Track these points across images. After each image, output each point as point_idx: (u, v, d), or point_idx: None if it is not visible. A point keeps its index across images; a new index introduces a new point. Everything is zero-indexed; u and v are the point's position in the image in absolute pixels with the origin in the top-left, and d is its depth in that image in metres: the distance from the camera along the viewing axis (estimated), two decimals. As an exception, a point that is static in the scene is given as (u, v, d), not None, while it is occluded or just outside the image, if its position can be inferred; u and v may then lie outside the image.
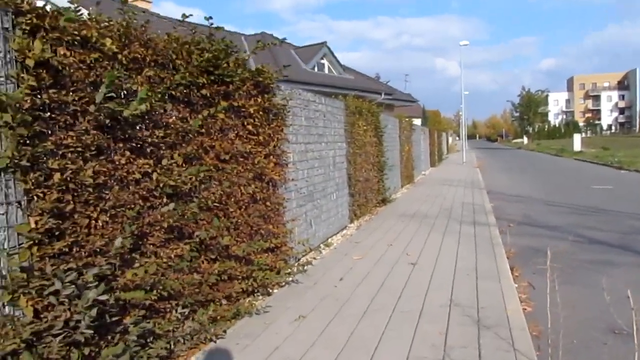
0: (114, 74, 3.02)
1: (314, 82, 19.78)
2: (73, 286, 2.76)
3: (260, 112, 5.12)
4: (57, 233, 2.84)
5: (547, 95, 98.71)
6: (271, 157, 5.42)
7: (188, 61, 4.07)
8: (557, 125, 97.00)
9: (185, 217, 3.91)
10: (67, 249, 2.90)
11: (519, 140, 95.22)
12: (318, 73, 23.40)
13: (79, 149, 2.97)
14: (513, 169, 26.24)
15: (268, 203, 5.36)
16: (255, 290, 5.01)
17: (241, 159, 4.81)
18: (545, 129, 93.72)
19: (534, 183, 17.67)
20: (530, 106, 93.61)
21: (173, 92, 3.89)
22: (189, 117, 4.10)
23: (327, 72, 24.88)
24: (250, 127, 4.96)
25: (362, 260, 6.41)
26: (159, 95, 3.61)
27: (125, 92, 3.41)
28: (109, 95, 3.13)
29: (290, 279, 5.55)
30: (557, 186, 16.30)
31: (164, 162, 3.67)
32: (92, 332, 2.84)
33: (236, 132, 4.77)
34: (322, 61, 24.72)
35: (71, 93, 2.94)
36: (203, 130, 4.25)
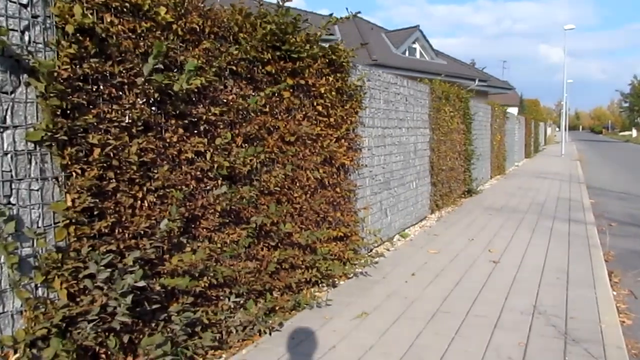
0: (162, 45, 2.79)
1: (404, 66, 19.22)
2: (110, 269, 2.60)
3: (333, 93, 4.80)
4: (97, 212, 2.68)
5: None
6: (343, 140, 5.10)
7: (252, 34, 3.80)
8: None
9: (243, 200, 3.68)
10: (108, 230, 2.73)
11: (627, 132, 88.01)
12: (408, 57, 22.73)
13: (124, 124, 2.79)
14: (618, 163, 24.03)
15: (338, 189, 5.05)
16: (319, 281, 4.72)
17: (309, 142, 4.51)
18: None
19: (642, 179, 16.03)
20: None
21: (234, 68, 3.64)
22: (252, 94, 3.84)
23: (418, 57, 24.13)
24: (320, 108, 4.65)
25: (438, 255, 5.94)
26: (214, 70, 3.36)
27: (181, 65, 3.20)
28: (159, 67, 2.92)
29: (359, 270, 5.22)
30: (670, 184, 14.66)
31: (218, 141, 3.43)
32: (129, 319, 2.66)
33: (304, 112, 4.47)
34: (414, 45, 23.99)
35: (117, 64, 2.76)
36: (266, 110, 3.98)
